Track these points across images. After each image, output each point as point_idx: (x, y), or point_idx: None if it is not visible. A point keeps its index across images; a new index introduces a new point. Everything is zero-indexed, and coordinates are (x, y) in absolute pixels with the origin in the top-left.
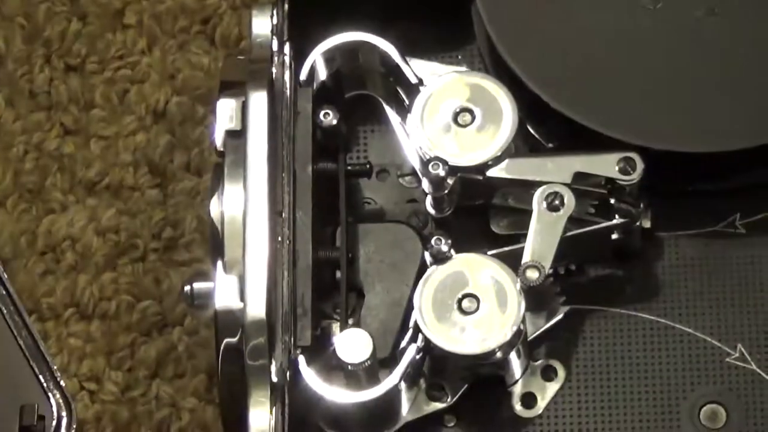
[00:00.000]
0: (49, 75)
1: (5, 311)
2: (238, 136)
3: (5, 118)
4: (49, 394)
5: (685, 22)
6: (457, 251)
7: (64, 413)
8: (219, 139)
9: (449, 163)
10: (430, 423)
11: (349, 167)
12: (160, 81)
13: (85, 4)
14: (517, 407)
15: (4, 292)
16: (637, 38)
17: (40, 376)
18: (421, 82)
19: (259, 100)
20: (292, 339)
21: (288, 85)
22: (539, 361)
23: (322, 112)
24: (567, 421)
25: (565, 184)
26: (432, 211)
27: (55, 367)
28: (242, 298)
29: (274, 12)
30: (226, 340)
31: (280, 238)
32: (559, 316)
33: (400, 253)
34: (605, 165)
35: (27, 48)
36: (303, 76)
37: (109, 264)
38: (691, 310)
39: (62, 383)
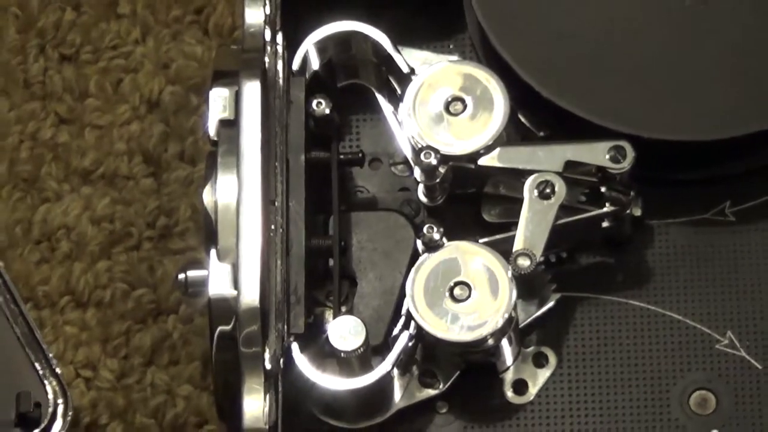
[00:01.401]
0: (44, 65)
1: (1, 300)
2: (231, 125)
3: (1, 109)
4: (45, 382)
5: (675, 10)
6: (449, 239)
7: (60, 400)
8: (212, 128)
9: (441, 152)
10: (422, 409)
11: (341, 156)
12: (154, 70)
13: None
14: (509, 394)
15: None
16: (628, 27)
17: (36, 364)
18: (412, 71)
19: (252, 90)
20: (286, 326)
21: (281, 75)
22: (530, 348)
23: (315, 102)
24: (558, 407)
25: (556, 173)
26: (424, 199)
27: (51, 355)
28: (236, 286)
29: (267, 2)
30: (220, 327)
31: (273, 227)
32: (551, 304)
33: (392, 242)
34: (596, 153)
35: (21, 38)
36: (296, 65)
37: (104, 252)
38: (681, 297)
39: (58, 371)
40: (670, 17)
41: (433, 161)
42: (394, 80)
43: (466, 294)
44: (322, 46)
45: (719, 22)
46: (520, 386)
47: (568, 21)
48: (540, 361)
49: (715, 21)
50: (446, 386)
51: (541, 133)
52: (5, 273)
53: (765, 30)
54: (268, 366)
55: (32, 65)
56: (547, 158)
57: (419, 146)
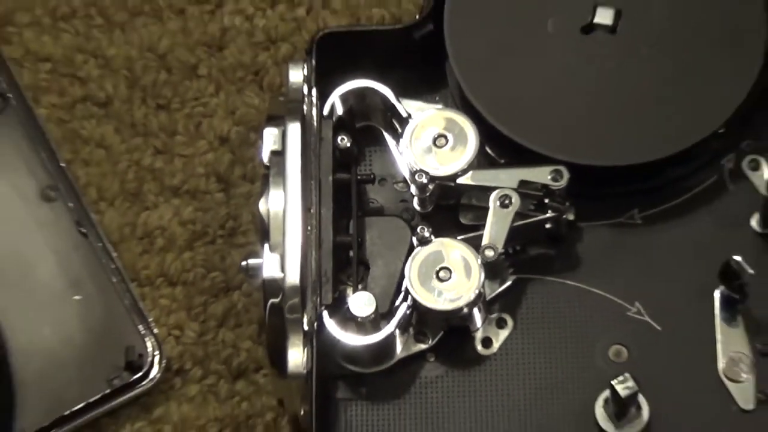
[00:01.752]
0: (145, 111)
1: (114, 280)
2: (279, 155)
3: (114, 143)
4: (146, 339)
5: (600, 73)
6: (436, 237)
7: (156, 352)
8: (266, 156)
9: (430, 174)
10: (416, 359)
11: (358, 177)
12: (224, 115)
13: (170, 60)
14: (479, 347)
15: (113, 267)
16: (566, 83)
17: (139, 326)
18: (410, 116)
19: (294, 129)
20: (318, 299)
21: (315, 119)
22: (494, 315)
23: (339, 138)
24: (514, 357)
25: (513, 189)
26: (418, 208)
27: (150, 320)
28: (283, 270)
29: (305, 66)
30: (271, 300)
31: (309, 228)
32: (509, 283)
33: (395, 238)
34: (541, 175)
35: (129, 92)
36: (325, 111)
37: (188, 246)
38: (602, 278)
39: (155, 331)
40: (598, 78)
41: (424, 180)
42: (396, 122)
43: (448, 276)
44: (344, 98)
45: (632, 78)
46: (487, 342)
47: (523, 82)
48: (501, 323)
49: (630, 77)
50: (434, 342)
51: (502, 161)
52: (117, 260)
53: (669, 80)
54: (305, 328)
55: (137, 111)
56: (506, 178)
57: (414, 170)
